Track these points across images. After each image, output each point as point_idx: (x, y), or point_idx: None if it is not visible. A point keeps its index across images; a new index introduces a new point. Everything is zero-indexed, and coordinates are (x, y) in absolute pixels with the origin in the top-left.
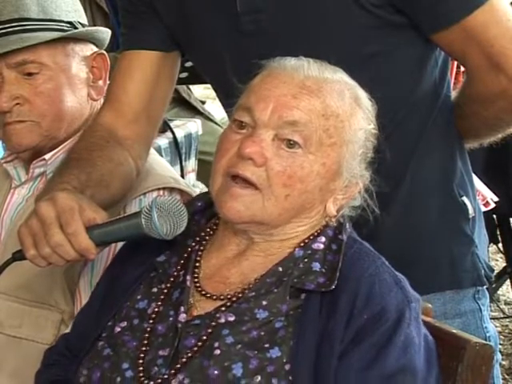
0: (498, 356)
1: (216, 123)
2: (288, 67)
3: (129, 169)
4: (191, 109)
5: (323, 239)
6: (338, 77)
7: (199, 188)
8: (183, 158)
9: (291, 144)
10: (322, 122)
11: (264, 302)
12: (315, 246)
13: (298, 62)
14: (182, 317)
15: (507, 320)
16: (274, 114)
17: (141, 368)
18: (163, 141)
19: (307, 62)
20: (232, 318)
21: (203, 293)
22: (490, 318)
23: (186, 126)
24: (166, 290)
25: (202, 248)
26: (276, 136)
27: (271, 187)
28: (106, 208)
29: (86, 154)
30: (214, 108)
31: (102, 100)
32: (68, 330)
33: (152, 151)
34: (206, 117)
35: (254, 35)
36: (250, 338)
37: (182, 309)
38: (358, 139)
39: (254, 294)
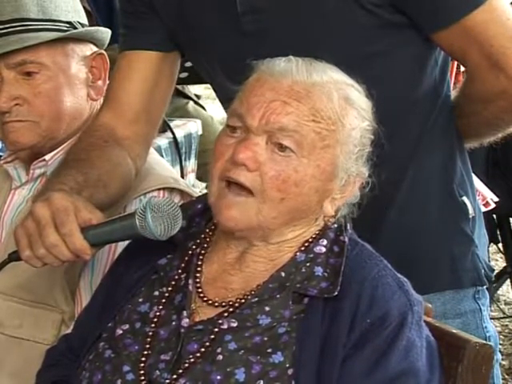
0: (498, 356)
1: (203, 107)
2: (276, 72)
3: (127, 169)
4: (181, 95)
5: (325, 242)
6: (328, 77)
7: (199, 188)
8: (183, 158)
9: (283, 148)
10: (312, 127)
11: (267, 308)
12: (317, 249)
13: (286, 65)
14: (185, 322)
15: (507, 320)
16: (263, 120)
17: (142, 371)
18: (163, 141)
19: (296, 63)
20: (235, 324)
21: (205, 299)
22: (490, 318)
23: (186, 126)
24: (167, 294)
25: (203, 251)
26: (269, 140)
27: (265, 191)
28: (105, 208)
29: (85, 155)
30: (214, 108)
31: (101, 100)
32: (69, 331)
33: (152, 151)
34: (196, 102)
35: (254, 35)
36: (253, 343)
37: (185, 313)
38: (352, 139)
39: (256, 299)
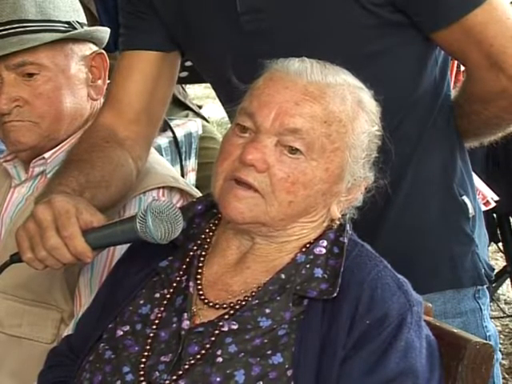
0: (498, 355)
1: (206, 120)
2: (291, 71)
3: (129, 169)
4: (186, 108)
5: (325, 243)
6: (342, 79)
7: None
8: (183, 157)
9: (293, 150)
10: (324, 129)
11: (267, 310)
12: (317, 250)
13: (301, 65)
14: (186, 324)
15: (507, 319)
16: (276, 121)
17: (141, 372)
18: (163, 140)
19: (310, 64)
20: (235, 327)
21: (206, 301)
22: (490, 318)
23: (186, 126)
24: (168, 296)
25: (203, 253)
26: (278, 142)
27: (274, 193)
28: (106, 209)
29: (86, 155)
30: (215, 108)
31: (101, 99)
32: (68, 330)
33: (152, 150)
34: (197, 113)
35: (254, 35)
36: (253, 345)
37: (186, 316)
38: (361, 143)
39: (257, 301)
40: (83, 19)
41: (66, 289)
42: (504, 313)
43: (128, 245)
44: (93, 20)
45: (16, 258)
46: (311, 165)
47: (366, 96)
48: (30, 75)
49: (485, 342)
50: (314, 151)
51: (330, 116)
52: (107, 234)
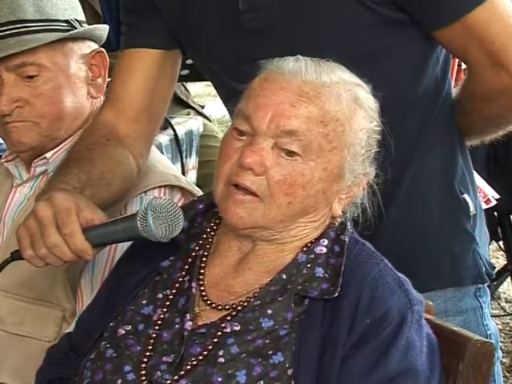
0: (499, 353)
1: (208, 118)
2: (286, 71)
3: (129, 167)
4: (188, 107)
5: (326, 242)
6: (337, 77)
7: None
8: (184, 155)
9: (290, 153)
10: (320, 129)
11: (269, 311)
12: (318, 249)
13: (295, 64)
14: (188, 325)
15: (508, 318)
16: (272, 123)
17: (143, 372)
18: (164, 138)
19: (305, 63)
20: (237, 328)
21: (208, 302)
22: (491, 316)
23: (186, 123)
24: (171, 297)
25: (205, 253)
26: (275, 144)
27: (273, 196)
28: (107, 207)
29: (87, 153)
30: (215, 105)
31: (102, 98)
32: (70, 328)
33: (153, 148)
34: (200, 113)
35: (256, 33)
36: (255, 346)
37: (188, 316)
38: (359, 140)
39: (258, 302)
40: (82, 16)
41: (68, 287)
42: (505, 311)
43: (129, 243)
44: (96, 18)
45: (16, 256)
46: (309, 165)
47: (363, 92)
48: (31, 77)
49: (485, 340)
50: (311, 152)
51: (326, 116)
52: (108, 232)
